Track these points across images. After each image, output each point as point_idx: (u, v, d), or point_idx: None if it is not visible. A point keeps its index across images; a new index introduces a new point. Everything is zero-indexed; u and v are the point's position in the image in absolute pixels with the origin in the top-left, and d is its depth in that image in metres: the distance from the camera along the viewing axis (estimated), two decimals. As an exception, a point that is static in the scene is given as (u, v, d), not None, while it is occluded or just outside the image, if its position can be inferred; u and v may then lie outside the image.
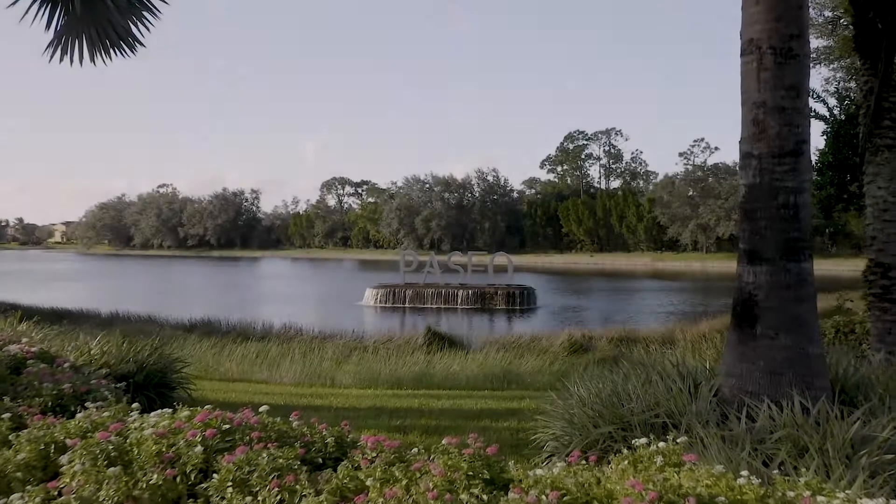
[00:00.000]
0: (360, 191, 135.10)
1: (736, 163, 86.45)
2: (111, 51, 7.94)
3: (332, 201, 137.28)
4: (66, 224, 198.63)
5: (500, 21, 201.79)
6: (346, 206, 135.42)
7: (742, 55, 5.21)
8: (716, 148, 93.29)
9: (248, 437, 3.43)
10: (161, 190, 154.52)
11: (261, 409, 3.92)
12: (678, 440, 3.44)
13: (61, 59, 7.73)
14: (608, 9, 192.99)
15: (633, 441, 3.52)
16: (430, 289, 31.31)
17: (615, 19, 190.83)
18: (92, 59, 7.89)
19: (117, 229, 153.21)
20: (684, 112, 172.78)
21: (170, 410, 3.77)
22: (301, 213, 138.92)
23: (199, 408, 3.74)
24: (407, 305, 30.86)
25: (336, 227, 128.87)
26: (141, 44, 8.20)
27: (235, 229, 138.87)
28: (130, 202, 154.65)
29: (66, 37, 7.66)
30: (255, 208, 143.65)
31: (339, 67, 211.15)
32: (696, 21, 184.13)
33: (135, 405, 4.08)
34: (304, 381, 12.70)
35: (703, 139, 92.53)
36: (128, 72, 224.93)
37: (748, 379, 4.99)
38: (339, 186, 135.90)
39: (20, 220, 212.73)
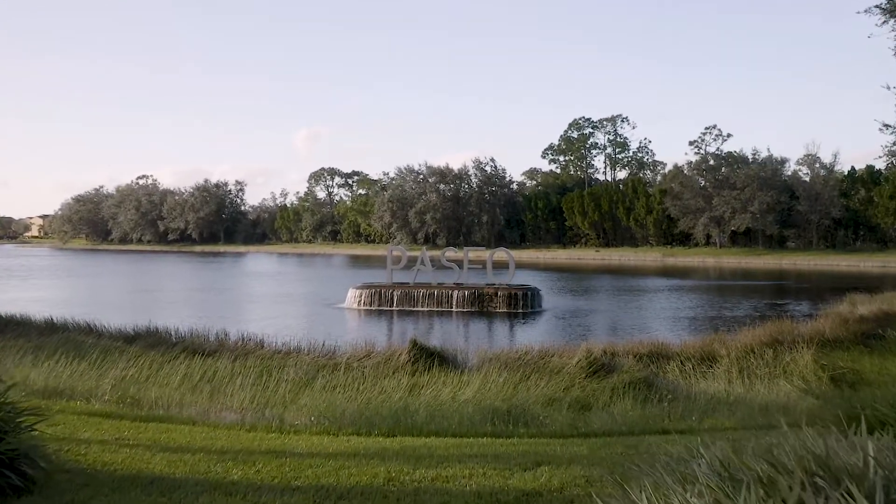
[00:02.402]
0: (350, 182, 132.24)
1: (755, 151, 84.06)
2: None
3: (321, 193, 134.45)
4: (44, 217, 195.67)
5: (500, 3, 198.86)
6: (336, 198, 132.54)
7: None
8: (728, 135, 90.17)
9: None
10: (141, 181, 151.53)
11: None
12: None
13: None
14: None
15: None
16: (421, 289, 28.61)
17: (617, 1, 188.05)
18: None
19: (94, 223, 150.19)
20: (692, 98, 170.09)
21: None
22: (288, 205, 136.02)
23: None
24: (394, 308, 28.18)
25: (325, 221, 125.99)
26: None
27: (219, 223, 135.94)
28: (108, 194, 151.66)
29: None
30: (239, 201, 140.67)
31: (334, 57, 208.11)
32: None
33: None
34: (246, 422, 9.99)
35: (715, 126, 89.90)
36: (112, 64, 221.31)
37: None
38: (329, 177, 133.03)
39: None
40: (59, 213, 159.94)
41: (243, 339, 17.27)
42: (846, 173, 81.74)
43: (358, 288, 29.22)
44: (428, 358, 14.55)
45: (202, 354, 15.81)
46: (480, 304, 27.86)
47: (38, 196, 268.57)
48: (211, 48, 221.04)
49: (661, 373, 14.30)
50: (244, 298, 33.65)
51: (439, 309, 27.85)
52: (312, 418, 10.02)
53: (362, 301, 28.64)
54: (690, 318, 26.11)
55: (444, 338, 20.76)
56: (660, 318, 26.03)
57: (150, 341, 17.76)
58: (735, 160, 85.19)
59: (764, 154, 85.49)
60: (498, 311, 27.48)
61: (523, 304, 27.79)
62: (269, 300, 32.48)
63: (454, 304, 28.00)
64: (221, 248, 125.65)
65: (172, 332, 18.38)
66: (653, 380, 13.27)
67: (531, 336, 20.93)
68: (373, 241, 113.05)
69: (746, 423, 9.70)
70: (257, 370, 14.33)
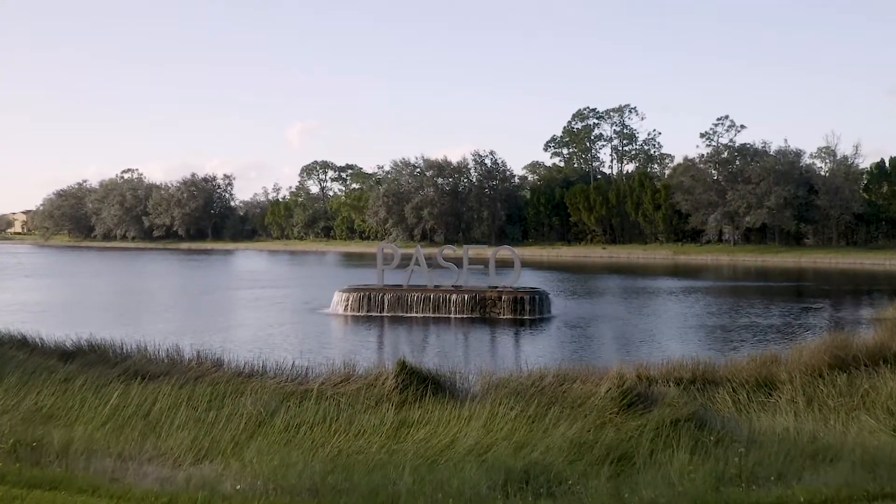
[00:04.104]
0: (344, 176, 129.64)
1: (765, 143, 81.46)
2: None
3: (314, 188, 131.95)
4: (27, 213, 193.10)
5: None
6: (329, 193, 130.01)
7: None
8: (742, 126, 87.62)
9: None
10: (125, 175, 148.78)
11: None
12: None
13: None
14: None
15: None
16: (416, 293, 26.12)
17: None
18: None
19: (77, 219, 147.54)
20: (701, 88, 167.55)
21: None
22: (279, 200, 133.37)
23: None
24: (385, 314, 25.70)
25: (317, 217, 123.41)
26: None
27: (206, 219, 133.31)
28: (91, 189, 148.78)
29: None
30: (227, 195, 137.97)
31: (329, 49, 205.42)
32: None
33: None
34: (167, 489, 7.53)
35: (727, 116, 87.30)
36: (100, 57, 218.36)
37: None
38: (321, 171, 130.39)
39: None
40: (41, 208, 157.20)
41: (199, 358, 14.75)
42: (869, 166, 79.28)
43: (344, 291, 26.72)
44: (419, 384, 12.04)
45: (146, 378, 13.28)
46: (482, 310, 25.39)
47: (25, 191, 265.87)
48: (203, 40, 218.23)
49: (709, 403, 11.81)
50: (218, 302, 31.16)
51: (435, 315, 25.38)
52: (259, 483, 7.57)
53: (349, 306, 26.16)
54: (719, 326, 23.64)
55: (440, 351, 18.31)
56: (684, 327, 23.59)
57: (91, 359, 15.21)
58: (749, 152, 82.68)
59: (780, 146, 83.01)
60: (501, 317, 25.02)
61: (530, 310, 25.32)
62: (245, 305, 29.99)
63: (452, 309, 25.53)
64: (209, 246, 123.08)
65: (119, 348, 15.87)
66: (703, 415, 10.78)
67: (541, 349, 18.49)
68: (367, 238, 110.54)
69: (854, 491, 7.26)
70: (206, 399, 11.83)
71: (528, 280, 34.60)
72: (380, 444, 9.37)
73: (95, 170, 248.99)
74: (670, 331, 22.90)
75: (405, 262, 27.93)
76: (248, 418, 10.94)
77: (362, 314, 25.72)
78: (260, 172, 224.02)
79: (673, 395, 11.35)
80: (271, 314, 26.00)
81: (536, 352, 18.02)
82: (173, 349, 15.19)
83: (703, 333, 21.99)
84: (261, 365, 14.02)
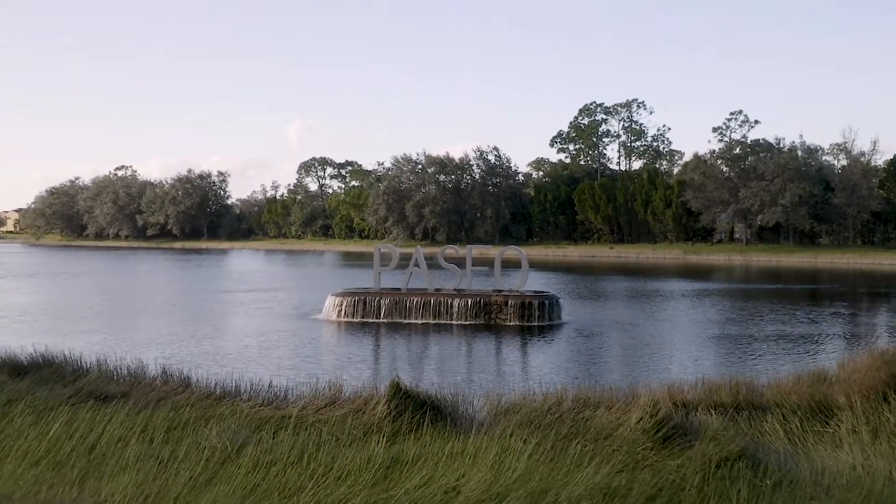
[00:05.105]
0: (343, 173, 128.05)
1: (777, 139, 79.84)
2: None
3: (312, 185, 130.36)
4: (19, 211, 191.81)
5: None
6: (329, 190, 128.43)
7: None
8: (756, 122, 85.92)
9: None
10: (119, 173, 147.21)
11: None
12: None
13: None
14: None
15: None
16: (415, 297, 24.52)
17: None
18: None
19: (69, 217, 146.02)
20: (712, 83, 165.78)
21: None
22: (277, 198, 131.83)
23: None
24: (382, 320, 24.11)
25: (316, 215, 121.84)
26: None
27: (202, 217, 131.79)
28: (84, 186, 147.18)
29: None
30: (223, 192, 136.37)
31: (328, 44, 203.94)
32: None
33: None
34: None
35: (741, 111, 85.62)
36: (96, 54, 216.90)
37: None
38: (320, 168, 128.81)
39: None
40: (32, 206, 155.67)
41: (164, 375, 13.13)
42: (883, 163, 77.53)
43: (337, 295, 25.13)
44: (416, 410, 10.41)
45: (101, 400, 11.67)
46: (486, 316, 23.79)
47: (19, 189, 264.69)
48: (201, 36, 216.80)
49: (757, 434, 10.19)
50: (198, 307, 29.55)
51: (436, 321, 23.79)
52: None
53: (343, 311, 24.56)
54: (745, 335, 22.01)
55: (440, 366, 16.72)
56: (706, 337, 21.99)
57: (44, 375, 13.55)
58: (763, 148, 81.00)
59: (795, 141, 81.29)
60: (508, 324, 23.42)
61: (539, 316, 23.71)
62: (228, 310, 28.39)
63: (454, 315, 23.94)
64: (204, 245, 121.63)
65: (78, 362, 14.23)
66: (755, 451, 9.16)
67: (554, 362, 16.89)
68: (367, 237, 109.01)
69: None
70: (166, 427, 10.22)
71: (534, 281, 33.02)
72: (366, 493, 7.77)
73: (91, 167, 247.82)
74: (692, 340, 21.30)
75: (404, 262, 26.35)
76: (210, 454, 9.29)
77: (357, 320, 24.13)
78: (259, 170, 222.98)
79: (716, 426, 9.71)
80: (255, 321, 24.39)
81: (548, 365, 16.43)
82: (137, 364, 13.57)
83: (728, 344, 20.37)
84: (234, 384, 12.38)
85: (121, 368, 13.65)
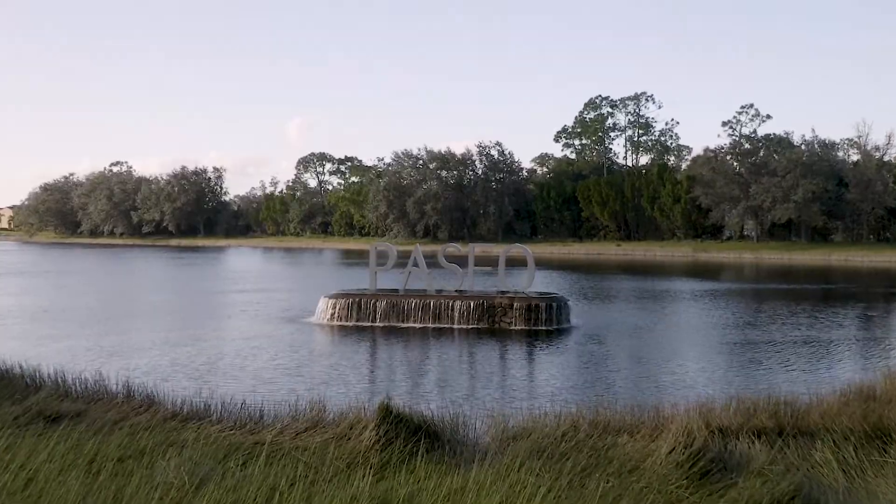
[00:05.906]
0: (342, 169, 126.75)
1: (787, 132, 78.28)
2: None
3: (311, 182, 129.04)
4: (13, 208, 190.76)
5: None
6: (328, 187, 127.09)
7: None
8: (767, 116, 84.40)
9: None
10: (114, 169, 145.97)
11: None
12: None
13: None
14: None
15: None
16: (413, 298, 23.18)
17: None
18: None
19: (63, 214, 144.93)
20: (721, 76, 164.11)
21: None
22: (275, 195, 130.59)
23: None
24: (378, 324, 22.78)
25: (315, 212, 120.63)
26: None
27: (198, 214, 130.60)
28: (78, 182, 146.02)
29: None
30: (219, 189, 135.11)
31: (329, 40, 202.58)
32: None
33: None
34: None
35: (751, 105, 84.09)
36: (93, 50, 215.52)
37: None
38: (319, 164, 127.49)
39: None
40: (26, 203, 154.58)
41: (128, 391, 11.82)
42: (897, 158, 76.16)
43: (331, 297, 23.79)
44: (409, 437, 9.08)
45: (52, 420, 10.38)
46: (490, 319, 22.46)
47: (15, 186, 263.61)
48: (200, 34, 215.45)
49: (808, 466, 8.86)
50: (182, 310, 28.22)
51: (436, 325, 22.46)
52: None
53: (336, 314, 23.23)
54: (769, 342, 20.61)
55: (439, 375, 15.39)
56: (726, 343, 20.63)
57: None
58: (774, 143, 79.53)
59: (807, 136, 79.77)
60: (513, 328, 22.08)
61: (546, 320, 22.37)
62: (213, 313, 27.05)
63: (456, 318, 22.61)
64: (200, 242, 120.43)
65: (34, 375, 12.94)
66: (809, 491, 7.84)
67: (565, 374, 15.55)
68: (367, 234, 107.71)
69: None
70: (118, 457, 8.89)
71: (539, 281, 31.71)
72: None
73: (88, 164, 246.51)
74: (711, 346, 19.95)
75: (403, 261, 25.02)
76: (164, 491, 7.95)
77: (350, 324, 22.80)
78: (258, 167, 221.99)
79: (762, 458, 8.38)
80: (240, 325, 23.03)
81: (559, 378, 15.09)
82: (97, 378, 12.26)
83: (752, 351, 19.00)
84: (203, 403, 11.07)
85: (79, 383, 12.35)
